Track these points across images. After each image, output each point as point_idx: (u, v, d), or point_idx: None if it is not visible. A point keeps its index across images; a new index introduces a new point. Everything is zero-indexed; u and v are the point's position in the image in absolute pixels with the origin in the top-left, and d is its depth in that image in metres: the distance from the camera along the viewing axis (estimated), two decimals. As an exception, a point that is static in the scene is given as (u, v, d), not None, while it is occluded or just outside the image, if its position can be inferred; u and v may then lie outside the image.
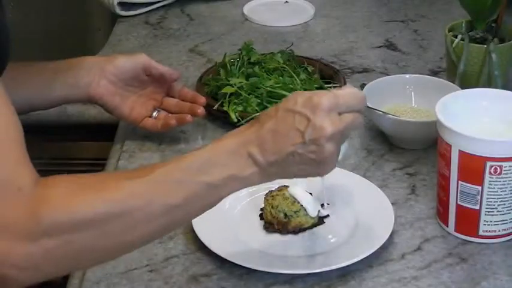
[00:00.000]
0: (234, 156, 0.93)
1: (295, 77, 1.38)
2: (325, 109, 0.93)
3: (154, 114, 1.30)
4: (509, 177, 1.06)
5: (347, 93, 0.96)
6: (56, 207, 0.85)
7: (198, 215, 0.96)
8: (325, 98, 0.94)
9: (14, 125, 0.86)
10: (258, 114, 1.03)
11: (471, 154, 1.06)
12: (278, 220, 1.11)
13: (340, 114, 0.94)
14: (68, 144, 1.50)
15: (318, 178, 1.04)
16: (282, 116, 0.94)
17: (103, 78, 1.27)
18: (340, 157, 0.98)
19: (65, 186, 0.87)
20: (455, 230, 1.12)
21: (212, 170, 0.92)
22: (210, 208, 0.94)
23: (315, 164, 0.94)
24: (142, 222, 0.89)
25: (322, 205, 1.15)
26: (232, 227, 1.13)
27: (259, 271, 1.05)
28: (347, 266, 1.06)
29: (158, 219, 0.90)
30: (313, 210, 1.12)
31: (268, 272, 1.05)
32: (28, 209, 0.84)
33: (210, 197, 0.92)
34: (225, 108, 1.34)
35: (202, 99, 1.30)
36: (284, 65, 1.41)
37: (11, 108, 0.86)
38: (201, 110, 1.28)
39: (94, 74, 1.27)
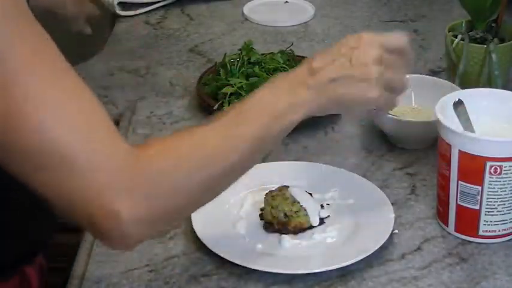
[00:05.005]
0: (291, 84, 0.99)
1: (295, 77, 1.38)
2: (369, 38, 1.01)
3: None
4: (509, 177, 1.06)
5: (388, 34, 1.04)
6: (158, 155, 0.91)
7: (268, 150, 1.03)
8: (367, 32, 1.02)
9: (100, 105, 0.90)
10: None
11: (471, 154, 1.06)
12: (278, 220, 1.11)
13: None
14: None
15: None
16: (330, 49, 1.02)
17: None
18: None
19: (162, 143, 0.95)
20: (455, 230, 1.12)
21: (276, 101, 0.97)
22: (277, 141, 1.00)
23: (363, 83, 1.00)
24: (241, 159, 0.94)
25: (322, 205, 1.16)
26: (232, 227, 1.13)
27: (259, 271, 1.05)
28: (347, 266, 1.06)
29: (245, 149, 0.94)
30: (313, 211, 1.12)
31: (268, 272, 1.05)
32: (133, 164, 0.89)
33: (277, 126, 0.97)
34: (225, 108, 1.34)
35: None
36: (284, 65, 1.41)
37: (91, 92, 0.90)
38: None
39: None
